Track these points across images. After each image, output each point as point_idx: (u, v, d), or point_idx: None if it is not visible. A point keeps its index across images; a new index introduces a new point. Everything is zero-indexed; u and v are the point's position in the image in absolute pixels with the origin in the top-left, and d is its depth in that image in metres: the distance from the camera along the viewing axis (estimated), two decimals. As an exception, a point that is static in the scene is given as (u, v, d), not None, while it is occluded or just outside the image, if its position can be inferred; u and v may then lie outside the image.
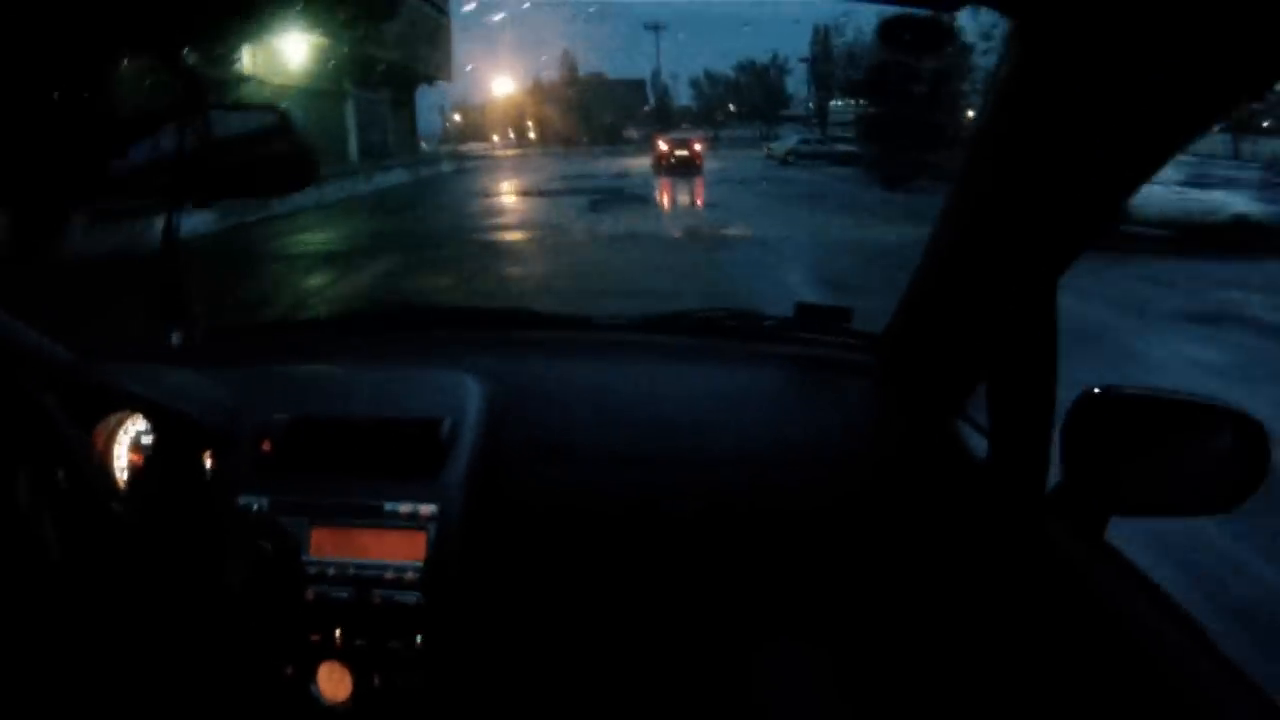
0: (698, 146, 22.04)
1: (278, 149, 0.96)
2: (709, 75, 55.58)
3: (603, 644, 1.00)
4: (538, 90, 65.23)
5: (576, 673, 0.99)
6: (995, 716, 0.87)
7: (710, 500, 0.95)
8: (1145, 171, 0.61)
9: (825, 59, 32.93)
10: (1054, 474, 0.86)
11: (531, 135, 61.83)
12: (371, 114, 18.93)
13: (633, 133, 37.51)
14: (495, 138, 64.34)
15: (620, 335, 1.26)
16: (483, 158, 40.93)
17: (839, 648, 1.01)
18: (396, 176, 18.76)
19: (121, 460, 0.95)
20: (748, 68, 49.35)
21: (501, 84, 66.48)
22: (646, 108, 62.31)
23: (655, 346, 1.21)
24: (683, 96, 61.56)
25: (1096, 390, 0.78)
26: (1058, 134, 0.61)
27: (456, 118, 74.01)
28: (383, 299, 6.63)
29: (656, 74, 60.43)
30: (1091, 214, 0.67)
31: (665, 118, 57.79)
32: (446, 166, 25.27)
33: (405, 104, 22.06)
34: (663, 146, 21.95)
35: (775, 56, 44.12)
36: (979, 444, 0.96)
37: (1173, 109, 0.54)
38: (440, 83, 24.19)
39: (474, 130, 68.08)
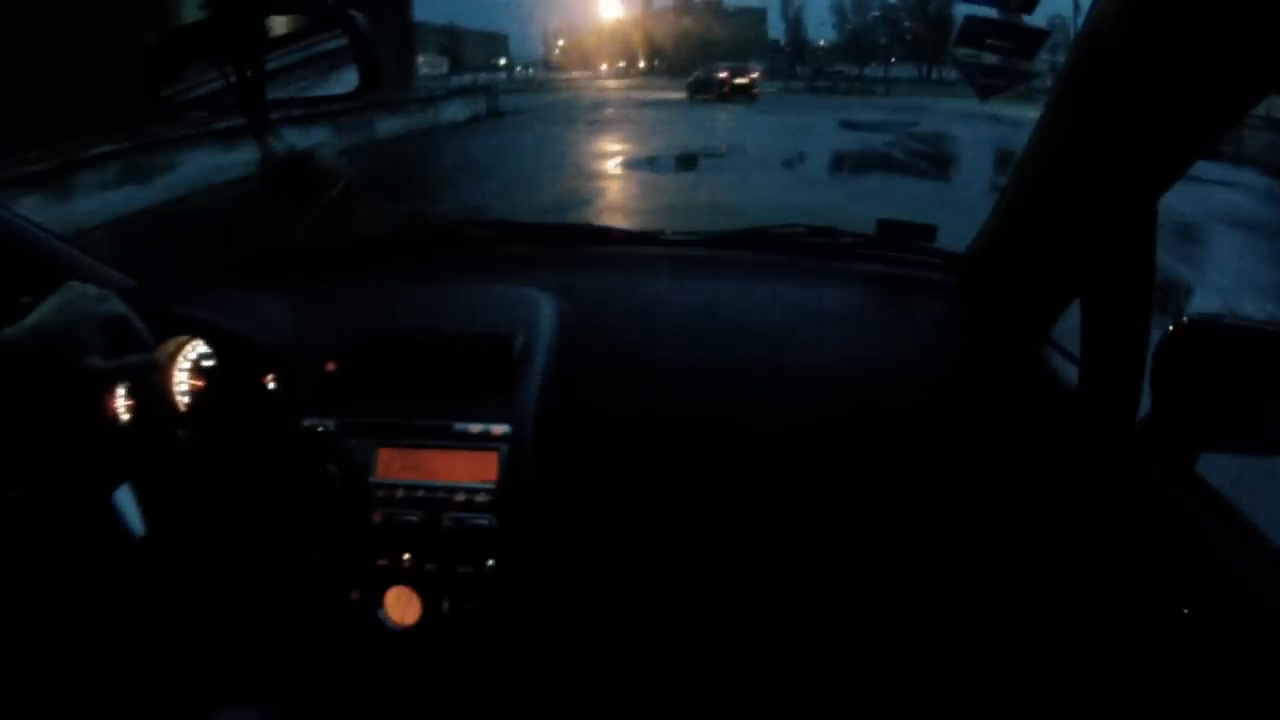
0: (754, 76, 27.03)
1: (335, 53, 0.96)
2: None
3: (672, 569, 0.99)
4: (646, 18, 57.93)
5: (644, 598, 0.99)
6: (1077, 651, 0.85)
7: (785, 421, 0.94)
8: (1258, 88, 0.58)
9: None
10: (1145, 403, 0.84)
11: (641, 64, 55.21)
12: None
13: (754, 67, 32.07)
14: (603, 65, 58.22)
15: (694, 250, 1.22)
16: (561, 89, 34.46)
17: (911, 585, 0.99)
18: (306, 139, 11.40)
19: (183, 385, 0.97)
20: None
21: (610, 7, 59.66)
22: (773, 40, 53.36)
23: (730, 262, 1.17)
24: (818, 26, 51.93)
25: (1191, 319, 0.77)
26: (1162, 49, 0.59)
27: (561, 44, 67.73)
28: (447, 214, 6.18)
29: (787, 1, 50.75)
30: (1197, 130, 0.64)
31: (797, 52, 48.91)
32: (459, 111, 17.14)
33: (389, 10, 15.50)
34: (718, 76, 25.97)
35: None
36: (1065, 369, 0.95)
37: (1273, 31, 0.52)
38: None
39: (579, 58, 61.73)
